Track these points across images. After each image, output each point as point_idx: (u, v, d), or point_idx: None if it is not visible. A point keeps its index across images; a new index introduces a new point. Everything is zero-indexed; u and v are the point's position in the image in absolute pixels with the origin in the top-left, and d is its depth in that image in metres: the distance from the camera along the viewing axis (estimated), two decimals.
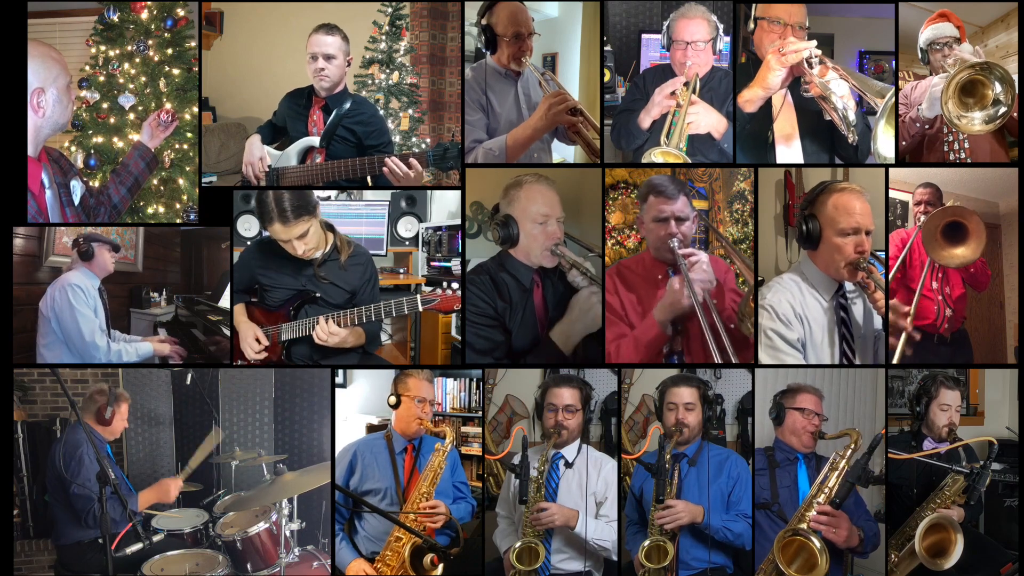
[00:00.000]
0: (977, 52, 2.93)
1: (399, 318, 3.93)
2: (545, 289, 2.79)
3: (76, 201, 2.83)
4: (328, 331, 2.78)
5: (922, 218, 3.08)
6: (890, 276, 3.00)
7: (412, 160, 2.86)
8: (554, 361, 2.72)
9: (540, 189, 2.71)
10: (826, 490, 2.69)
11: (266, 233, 2.88)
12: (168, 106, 3.22)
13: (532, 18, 3.03)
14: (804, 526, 2.65)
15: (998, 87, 2.66)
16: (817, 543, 2.60)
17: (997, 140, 3.05)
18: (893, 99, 2.69)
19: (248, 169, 3.16)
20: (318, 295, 2.91)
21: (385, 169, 2.88)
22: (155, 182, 3.60)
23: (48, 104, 2.67)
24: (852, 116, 2.77)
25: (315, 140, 3.10)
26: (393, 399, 2.90)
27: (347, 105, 3.11)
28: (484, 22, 3.02)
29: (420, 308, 2.70)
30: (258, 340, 2.92)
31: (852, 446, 2.71)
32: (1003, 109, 2.67)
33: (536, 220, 2.69)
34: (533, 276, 2.78)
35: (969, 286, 3.13)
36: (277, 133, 3.26)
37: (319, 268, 2.90)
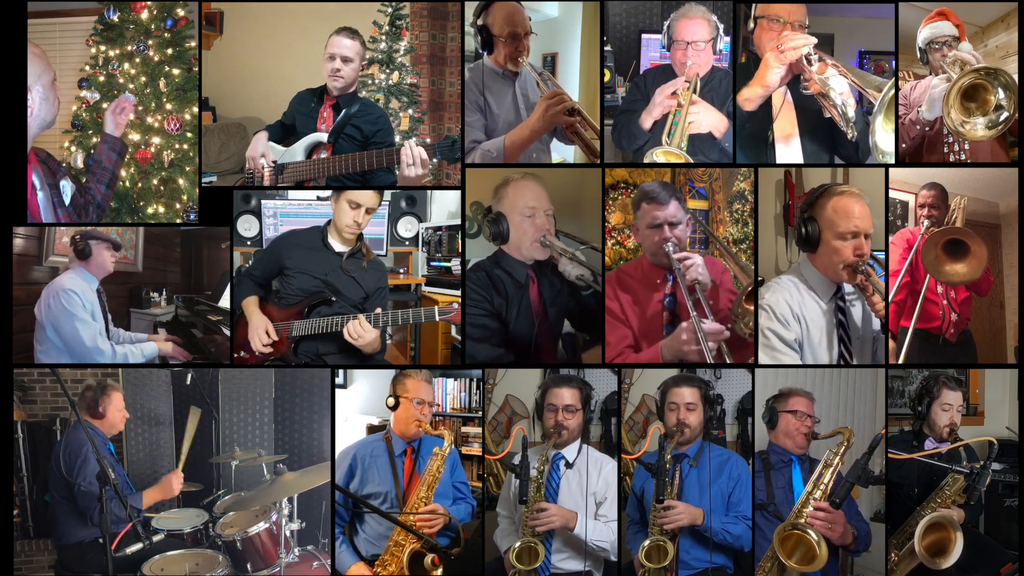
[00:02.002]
0: (974, 54, 2.92)
1: None
2: (541, 284, 2.82)
3: (67, 201, 2.83)
4: (362, 329, 2.82)
5: (926, 222, 3.08)
6: (889, 274, 3.00)
7: (421, 147, 2.90)
8: (554, 361, 2.73)
9: (527, 184, 2.77)
10: (821, 486, 2.72)
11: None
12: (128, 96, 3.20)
13: (529, 18, 3.03)
14: (802, 521, 2.68)
15: (1001, 93, 2.66)
16: (814, 535, 2.64)
17: (997, 140, 3.04)
18: (890, 92, 2.68)
19: (249, 163, 3.17)
20: (333, 299, 2.97)
21: (403, 153, 2.89)
22: (155, 182, 3.60)
23: (35, 102, 2.67)
24: (851, 112, 2.77)
25: (323, 136, 3.12)
26: (392, 401, 2.90)
27: (356, 106, 3.13)
28: (480, 22, 3.02)
29: (437, 318, 2.83)
30: (268, 333, 2.95)
31: (845, 443, 2.75)
32: (1005, 115, 2.69)
33: (524, 214, 2.74)
34: (528, 271, 2.80)
35: (971, 291, 3.13)
36: (286, 132, 3.27)
37: (345, 261, 3.00)
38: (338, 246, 3.03)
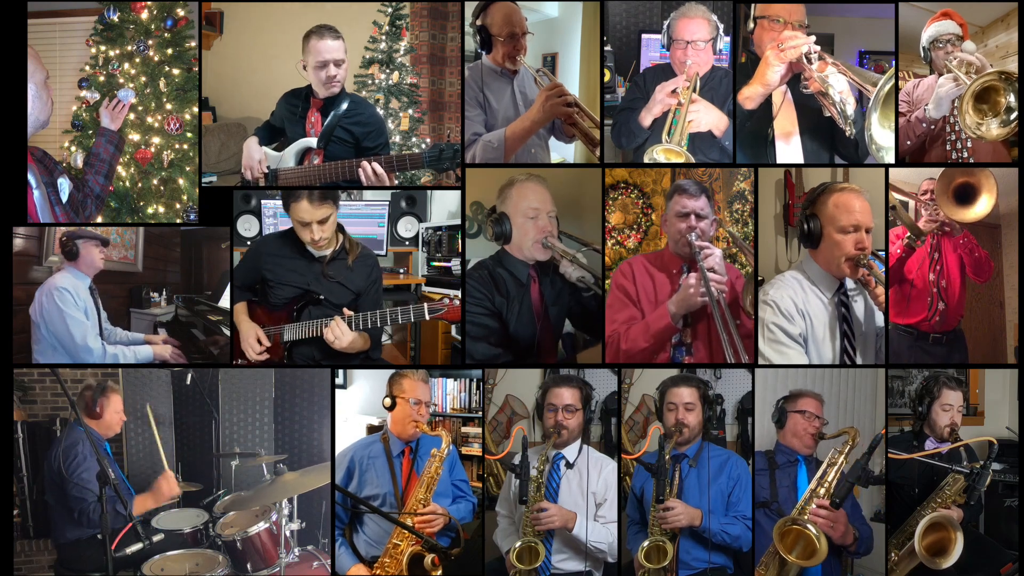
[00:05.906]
0: (978, 56, 2.93)
1: None
2: (542, 284, 2.84)
3: (64, 199, 2.84)
4: (340, 331, 2.77)
5: (930, 204, 3.10)
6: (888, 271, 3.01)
7: (376, 164, 2.88)
8: (553, 361, 2.75)
9: (531, 186, 2.80)
10: (825, 484, 2.73)
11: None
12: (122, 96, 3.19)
13: (525, 18, 3.04)
14: (806, 517, 2.69)
15: (1011, 97, 2.74)
16: (814, 530, 2.66)
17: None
18: (887, 87, 2.69)
19: (247, 172, 3.16)
20: (321, 296, 2.91)
21: (360, 175, 2.90)
22: (155, 182, 3.60)
23: (28, 101, 2.68)
24: (850, 111, 2.78)
25: (313, 141, 3.10)
26: (388, 401, 2.90)
27: (344, 106, 3.10)
28: (479, 23, 3.04)
29: (427, 317, 2.73)
30: (259, 341, 2.92)
31: (850, 443, 2.76)
32: (1015, 114, 2.75)
33: (527, 215, 2.76)
34: (529, 271, 2.82)
35: (971, 275, 3.11)
36: (275, 134, 3.25)
37: (327, 266, 2.92)
38: (317, 251, 2.93)
